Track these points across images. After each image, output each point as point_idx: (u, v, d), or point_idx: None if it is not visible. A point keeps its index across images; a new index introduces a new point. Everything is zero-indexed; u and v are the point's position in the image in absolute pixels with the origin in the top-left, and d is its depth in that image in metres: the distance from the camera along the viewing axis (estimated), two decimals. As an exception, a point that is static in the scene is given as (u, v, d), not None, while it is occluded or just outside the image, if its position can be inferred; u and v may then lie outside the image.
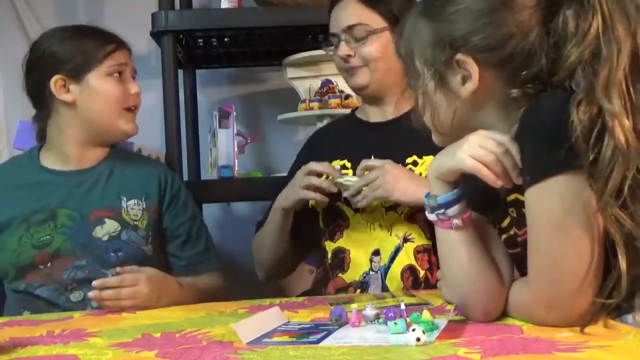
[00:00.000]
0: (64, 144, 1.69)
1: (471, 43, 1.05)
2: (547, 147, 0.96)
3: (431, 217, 1.10)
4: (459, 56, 1.05)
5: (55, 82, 1.65)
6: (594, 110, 0.93)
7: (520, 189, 1.01)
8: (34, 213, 1.64)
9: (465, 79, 1.06)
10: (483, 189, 1.07)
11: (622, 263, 0.92)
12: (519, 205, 1.04)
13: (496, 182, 1.04)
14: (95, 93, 1.65)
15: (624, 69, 0.94)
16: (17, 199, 1.66)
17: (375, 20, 1.70)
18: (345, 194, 1.61)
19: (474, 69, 1.05)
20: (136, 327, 1.20)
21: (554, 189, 0.95)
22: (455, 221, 1.07)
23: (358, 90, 1.77)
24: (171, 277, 1.55)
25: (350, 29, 1.70)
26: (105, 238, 1.63)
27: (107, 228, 1.65)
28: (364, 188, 1.59)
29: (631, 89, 0.94)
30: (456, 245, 1.08)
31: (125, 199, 1.69)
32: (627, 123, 0.92)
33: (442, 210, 1.07)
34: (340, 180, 1.61)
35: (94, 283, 1.41)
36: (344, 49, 1.71)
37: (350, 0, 1.72)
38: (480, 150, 1.04)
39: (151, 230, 1.70)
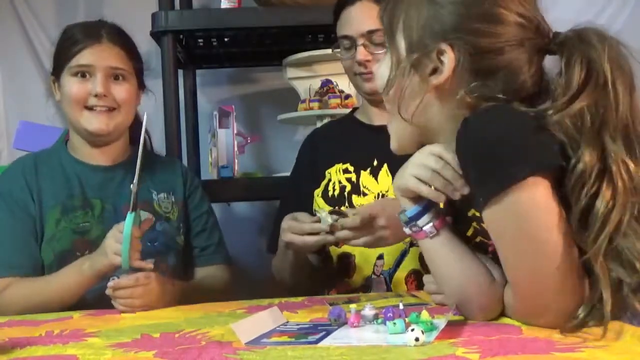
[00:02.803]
0: (74, 138, 1.73)
1: (460, 38, 1.03)
2: (487, 166, 0.96)
3: (407, 231, 1.12)
4: (443, 46, 1.04)
5: (51, 82, 1.71)
6: (599, 153, 0.94)
7: (476, 206, 1.02)
8: (71, 198, 1.66)
9: (435, 71, 1.05)
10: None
11: (607, 306, 0.91)
12: (479, 219, 1.04)
13: (439, 198, 1.07)
14: (63, 93, 1.68)
15: (627, 112, 0.96)
16: (54, 183, 1.67)
17: None
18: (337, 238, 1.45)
19: (449, 64, 1.03)
20: (135, 328, 1.20)
21: (505, 205, 0.95)
22: (427, 229, 1.09)
23: (371, 94, 1.75)
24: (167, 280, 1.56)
25: (370, 33, 1.68)
26: None
27: (143, 219, 1.66)
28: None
29: (632, 135, 0.96)
30: (437, 250, 1.10)
31: (155, 192, 1.73)
32: (632, 165, 0.94)
33: (413, 223, 1.10)
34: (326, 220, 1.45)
35: (109, 284, 1.42)
36: (362, 54, 1.69)
37: (368, 3, 1.70)
38: (420, 169, 1.07)
39: (181, 222, 1.75)
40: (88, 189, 1.68)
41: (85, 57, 1.65)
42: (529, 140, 0.95)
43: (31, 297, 1.52)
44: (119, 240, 1.42)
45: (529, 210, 0.94)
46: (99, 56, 1.66)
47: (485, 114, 0.99)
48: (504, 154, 0.94)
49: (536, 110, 0.98)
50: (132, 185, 1.42)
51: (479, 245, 1.10)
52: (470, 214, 1.08)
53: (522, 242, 0.96)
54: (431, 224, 1.09)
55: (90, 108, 1.65)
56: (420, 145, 1.13)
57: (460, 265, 1.08)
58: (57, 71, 1.69)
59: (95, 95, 1.64)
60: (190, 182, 1.82)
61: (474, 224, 1.10)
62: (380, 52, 1.68)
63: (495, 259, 1.04)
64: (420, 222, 1.09)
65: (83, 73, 1.65)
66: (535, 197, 0.94)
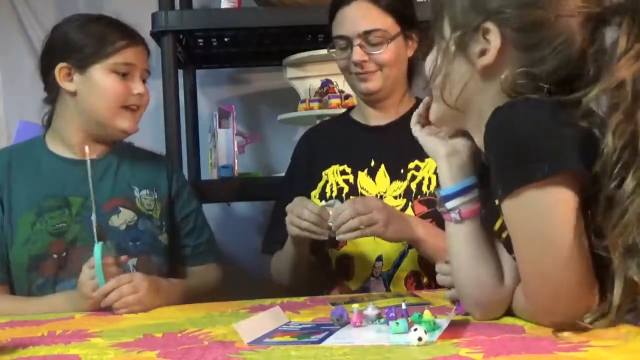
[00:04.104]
0: (66, 131, 1.68)
1: (504, 14, 1.01)
2: (510, 160, 0.95)
3: (440, 208, 1.12)
4: (488, 24, 1.02)
5: (60, 70, 1.64)
6: (629, 136, 0.91)
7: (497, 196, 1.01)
8: (46, 198, 1.62)
9: (484, 52, 1.03)
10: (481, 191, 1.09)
11: (617, 293, 0.91)
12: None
13: None
14: (96, 87, 1.63)
15: None
16: (29, 182, 1.64)
17: (391, 25, 1.68)
18: (332, 225, 1.50)
19: (496, 43, 1.02)
20: (138, 327, 1.20)
21: (523, 201, 0.94)
22: (453, 214, 1.09)
23: (367, 95, 1.74)
24: (159, 277, 1.55)
25: (367, 34, 1.67)
26: (123, 227, 1.63)
27: (124, 217, 1.64)
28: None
29: None
30: (457, 238, 1.10)
31: (137, 189, 1.70)
32: None
33: (442, 203, 1.10)
34: (327, 205, 1.54)
35: (94, 295, 1.40)
36: (359, 54, 1.67)
37: (364, 2, 1.68)
38: None
39: (164, 220, 1.72)
40: (67, 185, 1.63)
41: (129, 55, 1.64)
42: (555, 141, 0.93)
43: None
44: (94, 276, 1.40)
45: (545, 211, 0.93)
46: (139, 57, 1.67)
47: (516, 106, 0.97)
48: (527, 151, 0.93)
49: (573, 98, 0.95)
50: (92, 217, 1.41)
51: (507, 244, 1.07)
52: (497, 203, 1.04)
53: (536, 240, 0.95)
54: (458, 210, 1.08)
55: (126, 107, 1.65)
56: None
57: (472, 261, 1.08)
58: (81, 63, 1.63)
59: (134, 95, 1.64)
60: (176, 180, 1.80)
61: (502, 216, 1.06)
62: (376, 52, 1.67)
63: None
64: (448, 205, 1.09)
65: (125, 72, 1.64)
66: (553, 198, 0.93)
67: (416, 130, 1.18)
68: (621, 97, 0.93)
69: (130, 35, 1.67)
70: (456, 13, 1.06)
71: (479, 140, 1.08)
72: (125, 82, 1.65)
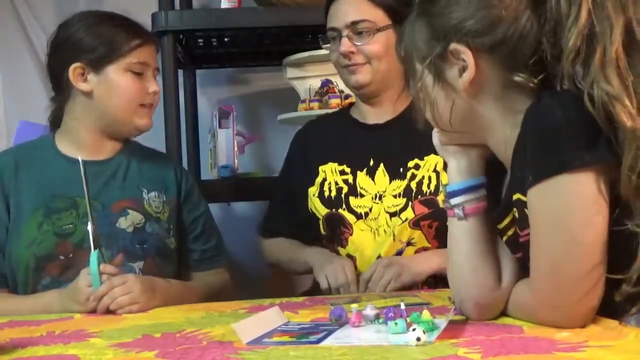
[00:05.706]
0: (78, 131, 1.67)
1: (463, 30, 1.03)
2: (549, 146, 0.95)
3: (444, 204, 1.12)
4: (453, 46, 1.04)
5: (73, 70, 1.62)
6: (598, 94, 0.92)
7: (523, 189, 1.00)
8: (54, 199, 1.61)
9: (462, 70, 1.05)
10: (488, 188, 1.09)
11: None
12: (522, 205, 1.03)
13: None
14: (112, 86, 1.63)
15: (619, 46, 0.93)
16: (36, 183, 1.63)
17: (380, 17, 1.68)
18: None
19: (469, 56, 1.03)
20: (136, 328, 1.20)
21: (556, 188, 0.94)
22: (457, 210, 1.09)
23: (358, 88, 1.73)
24: (156, 277, 1.55)
25: (354, 24, 1.67)
26: (130, 230, 1.62)
27: (132, 219, 1.63)
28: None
29: (627, 67, 0.93)
30: (456, 235, 1.10)
31: (145, 190, 1.68)
32: (629, 103, 0.91)
33: (447, 199, 1.10)
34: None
35: (91, 299, 1.39)
36: (346, 45, 1.68)
37: None
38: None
39: (172, 223, 1.70)
40: (75, 186, 1.56)
41: (143, 55, 1.64)
42: (595, 132, 0.93)
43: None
44: (91, 283, 1.40)
45: (575, 202, 0.93)
46: (152, 55, 1.68)
47: (562, 96, 0.98)
48: (568, 139, 0.93)
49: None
50: (88, 226, 1.40)
51: (510, 242, 1.07)
52: (515, 198, 1.03)
53: (557, 231, 0.94)
54: (462, 206, 1.08)
55: (143, 105, 1.65)
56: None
57: (471, 259, 1.08)
58: (96, 62, 1.62)
59: (150, 94, 1.65)
60: (185, 182, 1.78)
61: (515, 210, 1.05)
62: (362, 43, 1.67)
63: (525, 256, 1.02)
64: (453, 201, 1.09)
65: (140, 71, 1.64)
66: (586, 191, 0.92)
67: (435, 138, 1.17)
68: (584, 62, 0.94)
69: (144, 34, 1.68)
70: (421, 49, 1.09)
71: (495, 147, 1.08)
72: (140, 80, 1.65)
